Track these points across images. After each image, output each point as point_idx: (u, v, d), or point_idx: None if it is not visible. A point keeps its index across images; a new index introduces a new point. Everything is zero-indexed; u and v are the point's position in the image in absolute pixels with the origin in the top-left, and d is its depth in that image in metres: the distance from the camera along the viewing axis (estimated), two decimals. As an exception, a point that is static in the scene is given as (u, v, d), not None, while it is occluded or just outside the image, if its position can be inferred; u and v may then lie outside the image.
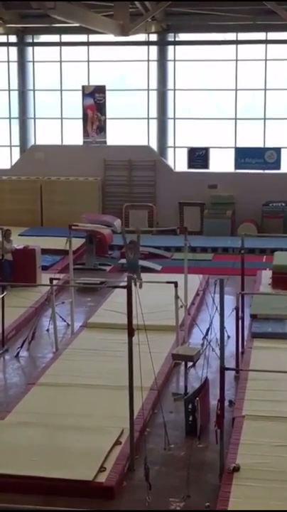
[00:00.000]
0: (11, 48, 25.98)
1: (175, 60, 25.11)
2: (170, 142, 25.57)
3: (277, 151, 24.58)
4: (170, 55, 25.17)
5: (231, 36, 24.69)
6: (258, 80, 24.57)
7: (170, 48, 25.19)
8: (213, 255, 21.92)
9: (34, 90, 26.06)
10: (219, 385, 10.17)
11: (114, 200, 25.18)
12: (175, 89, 25.23)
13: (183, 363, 12.61)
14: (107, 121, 25.37)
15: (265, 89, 24.60)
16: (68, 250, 15.86)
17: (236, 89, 24.77)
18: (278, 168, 24.63)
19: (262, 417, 11.33)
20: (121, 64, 25.70)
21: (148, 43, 25.03)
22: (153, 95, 25.39)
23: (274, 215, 24.00)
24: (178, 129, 25.39)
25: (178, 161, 25.39)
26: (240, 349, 13.97)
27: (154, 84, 25.31)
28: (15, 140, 26.37)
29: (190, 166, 25.08)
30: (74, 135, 25.63)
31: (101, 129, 25.39)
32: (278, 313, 15.80)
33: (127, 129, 25.80)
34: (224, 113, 25.24)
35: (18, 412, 11.65)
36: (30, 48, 25.98)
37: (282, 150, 24.60)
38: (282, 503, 9.11)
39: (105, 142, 25.45)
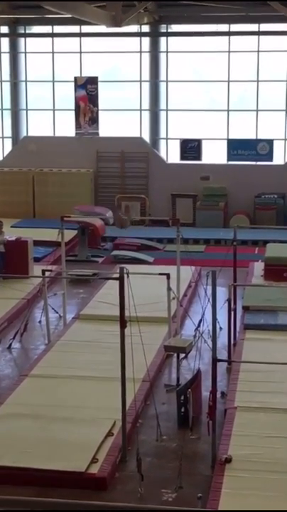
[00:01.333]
0: (2, 38, 25.88)
1: (167, 52, 25.07)
2: (162, 134, 25.56)
3: (269, 142, 24.58)
4: (162, 47, 25.12)
5: (223, 28, 24.66)
6: (251, 71, 24.56)
7: (163, 39, 25.14)
8: (205, 247, 21.93)
9: (26, 81, 26.00)
10: (211, 377, 10.19)
11: (107, 191, 25.16)
12: (167, 81, 25.21)
13: (175, 354, 12.63)
14: (100, 112, 25.33)
15: (257, 81, 24.58)
16: (60, 242, 15.84)
17: (228, 81, 24.75)
18: (271, 160, 24.64)
19: (254, 409, 11.36)
20: (114, 55, 25.65)
21: (140, 34, 24.98)
22: (146, 87, 25.35)
23: (267, 206, 24.01)
24: (171, 120, 25.37)
25: (171, 153, 25.37)
26: (232, 341, 13.99)
27: (146, 75, 25.27)
28: (7, 131, 26.32)
29: (182, 158, 25.07)
30: (66, 126, 25.58)
31: (94, 120, 25.35)
32: (270, 305, 15.83)
33: (119, 120, 25.77)
34: (217, 104, 25.22)
35: (10, 404, 11.65)
36: (22, 39, 25.90)
37: (274, 142, 24.60)
38: (274, 494, 9.15)
39: (97, 134, 25.41)
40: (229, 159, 24.91)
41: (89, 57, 25.57)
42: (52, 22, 24.89)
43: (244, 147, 24.66)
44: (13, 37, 25.86)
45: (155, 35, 25.11)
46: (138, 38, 25.06)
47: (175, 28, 25.31)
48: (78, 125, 25.42)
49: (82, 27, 24.66)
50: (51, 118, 25.92)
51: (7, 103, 26.20)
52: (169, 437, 10.91)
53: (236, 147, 24.74)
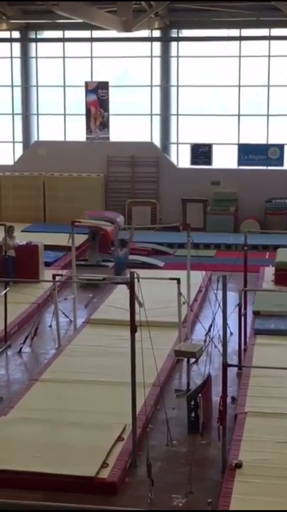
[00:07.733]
0: (14, 43, 25.98)
1: (178, 56, 25.10)
2: (173, 138, 25.57)
3: (280, 147, 24.57)
4: (173, 52, 25.16)
5: (234, 32, 24.68)
6: (262, 76, 24.55)
7: (174, 44, 25.17)
8: (216, 252, 21.92)
9: (37, 86, 26.07)
10: (222, 382, 10.18)
11: (117, 196, 25.18)
12: (178, 86, 25.23)
13: (186, 359, 12.60)
14: (110, 117, 25.37)
15: (268, 86, 24.58)
16: (71, 246, 15.86)
17: (239, 86, 24.76)
18: (281, 164, 24.63)
19: (264, 414, 11.33)
20: (124, 60, 25.69)
21: (151, 39, 25.02)
22: (156, 91, 25.39)
23: (277, 211, 24.00)
24: (181, 125, 25.38)
25: (181, 158, 25.40)
26: (243, 346, 13.97)
27: (157, 80, 25.30)
28: (18, 136, 26.39)
29: (193, 163, 25.08)
30: (77, 131, 25.63)
31: (104, 125, 25.38)
32: (280, 310, 15.79)
33: (130, 125, 25.80)
34: (228, 109, 25.24)
35: (20, 408, 11.65)
36: (33, 44, 25.99)
37: (285, 146, 24.59)
38: (284, 500, 9.11)
39: (108, 138, 25.45)
40: (239, 164, 24.90)
41: (99, 62, 25.61)
42: (63, 27, 24.95)
43: (255, 152, 24.66)
44: (24, 42, 25.93)
45: (165, 40, 25.14)
46: (149, 43, 25.09)
47: (185, 33, 25.33)
48: (89, 130, 25.46)
49: (93, 32, 24.73)
50: (62, 123, 25.98)
51: (18, 108, 26.26)
52: (179, 442, 10.90)
53: (247, 152, 24.73)
